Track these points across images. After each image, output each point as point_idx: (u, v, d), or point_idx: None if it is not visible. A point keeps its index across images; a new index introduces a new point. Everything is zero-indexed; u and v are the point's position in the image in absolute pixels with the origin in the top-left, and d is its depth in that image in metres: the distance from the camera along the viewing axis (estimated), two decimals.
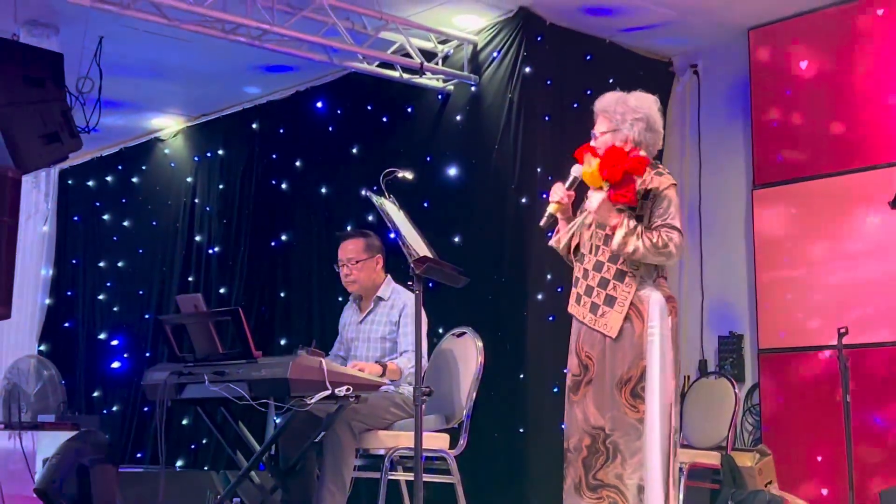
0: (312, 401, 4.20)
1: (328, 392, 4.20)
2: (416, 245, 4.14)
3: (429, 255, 4.13)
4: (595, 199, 4.00)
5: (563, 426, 4.27)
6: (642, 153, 4.08)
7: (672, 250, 3.98)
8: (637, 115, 4.12)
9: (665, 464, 3.96)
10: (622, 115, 4.12)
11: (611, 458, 3.99)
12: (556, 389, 6.36)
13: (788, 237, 6.78)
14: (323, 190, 8.06)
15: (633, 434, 3.97)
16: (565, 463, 4.12)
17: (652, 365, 3.98)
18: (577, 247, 4.22)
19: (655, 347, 3.99)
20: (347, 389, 4.25)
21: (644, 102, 4.17)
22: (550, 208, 4.18)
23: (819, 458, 6.43)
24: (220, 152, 8.99)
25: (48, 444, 5.72)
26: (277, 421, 5.70)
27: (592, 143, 4.17)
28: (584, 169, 3.99)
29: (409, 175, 4.45)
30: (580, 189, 4.20)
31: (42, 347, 9.31)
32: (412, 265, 4.08)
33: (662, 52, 7.55)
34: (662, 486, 3.95)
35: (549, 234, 4.34)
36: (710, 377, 6.60)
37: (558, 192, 4.17)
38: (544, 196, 4.42)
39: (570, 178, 4.16)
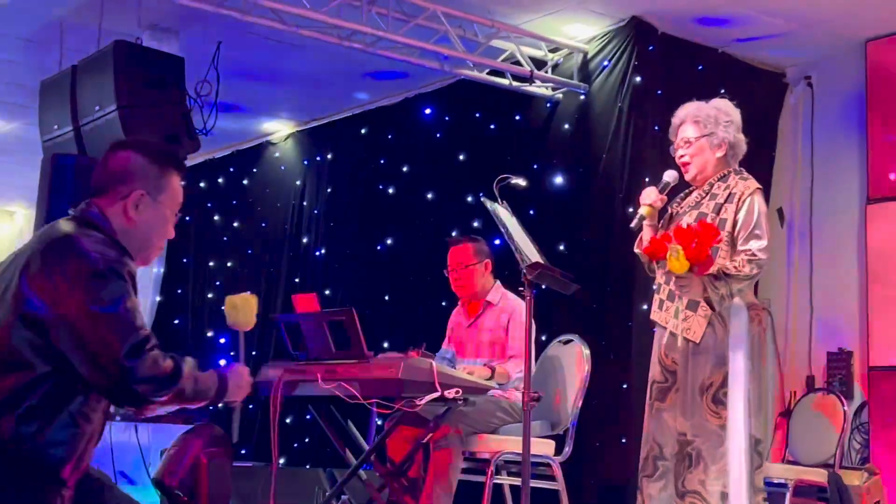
0: (422, 402, 4.26)
1: (437, 394, 4.26)
2: (528, 251, 4.17)
3: (540, 261, 4.16)
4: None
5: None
6: (732, 157, 4.20)
7: (758, 269, 4.02)
8: (728, 117, 4.22)
9: (749, 472, 3.93)
10: (715, 118, 4.19)
11: (693, 465, 4.00)
12: None
13: None
14: (429, 195, 8.13)
15: (715, 440, 3.96)
16: (653, 472, 4.11)
17: (735, 371, 3.97)
18: None
19: (739, 354, 3.98)
20: (456, 392, 4.30)
21: (729, 106, 4.29)
22: (642, 210, 4.21)
23: None
24: (329, 156, 9.13)
25: (162, 437, 5.87)
26: (379, 423, 5.78)
27: (680, 152, 4.18)
28: (671, 261, 3.92)
29: (522, 182, 4.49)
30: (672, 193, 4.27)
31: None
32: (524, 270, 4.11)
33: (776, 63, 7.45)
34: (747, 494, 3.93)
35: None
36: (818, 393, 6.49)
37: (651, 196, 4.20)
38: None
39: (663, 183, 4.19)
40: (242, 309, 3.23)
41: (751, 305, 4.06)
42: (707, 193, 4.18)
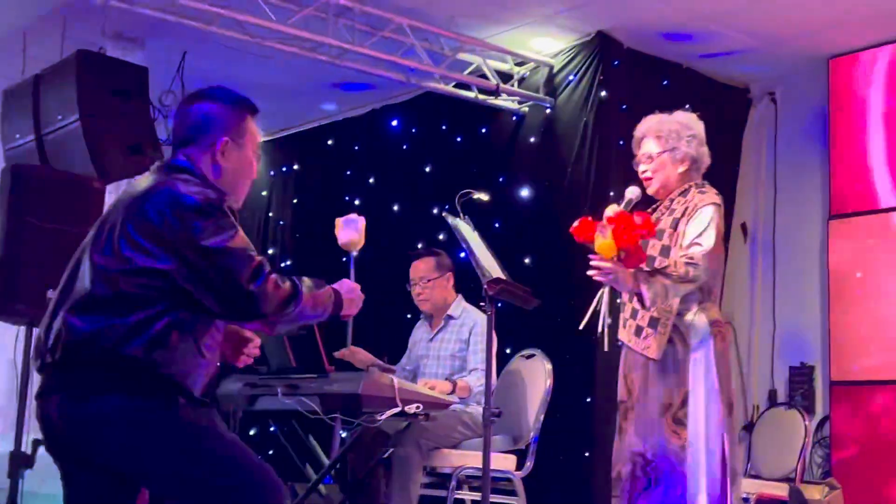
0: (383, 417, 4.25)
1: (398, 409, 4.25)
2: (490, 266, 4.17)
3: (502, 276, 4.16)
4: (608, 269, 3.79)
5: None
6: (695, 171, 4.11)
7: (696, 271, 3.83)
8: (691, 131, 4.12)
9: (714, 493, 3.84)
10: (677, 133, 4.10)
11: (652, 486, 3.92)
12: None
13: (864, 269, 6.69)
14: (395, 207, 8.12)
15: (675, 461, 3.89)
16: (615, 492, 4.08)
17: (695, 390, 3.90)
18: None
19: (700, 372, 3.91)
20: (417, 407, 4.29)
21: (692, 119, 4.19)
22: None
23: (889, 494, 6.32)
24: (296, 167, 9.10)
25: None
26: (343, 435, 5.76)
27: (642, 167, 4.14)
28: (597, 239, 3.81)
29: (484, 197, 4.49)
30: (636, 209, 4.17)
31: None
32: (485, 286, 4.10)
33: (740, 79, 7.50)
34: None
35: None
36: (781, 408, 6.53)
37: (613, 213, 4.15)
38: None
39: (626, 200, 4.13)
40: (339, 227, 3.36)
41: (714, 322, 3.99)
42: (667, 209, 4.12)
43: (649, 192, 4.23)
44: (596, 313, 3.89)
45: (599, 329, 3.87)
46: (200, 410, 2.79)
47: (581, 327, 3.94)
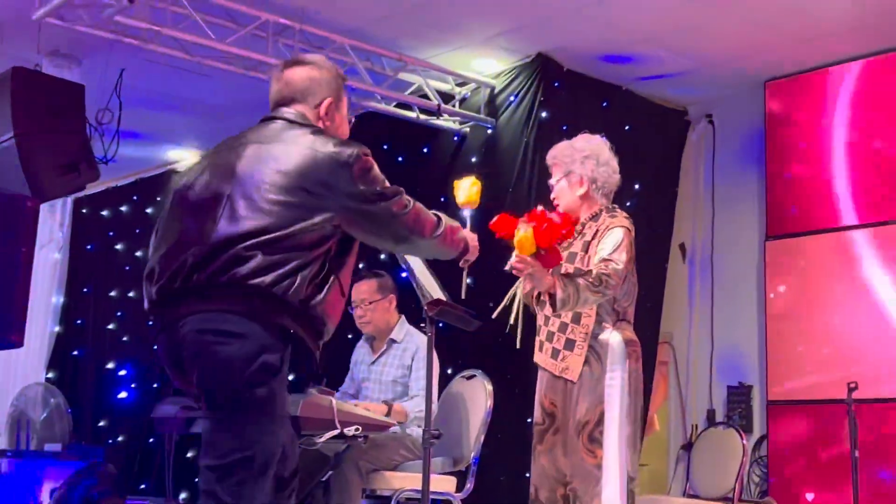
0: (322, 440, 4.21)
1: (337, 431, 4.21)
2: (430, 288, 4.16)
3: (442, 297, 4.15)
4: (527, 266, 3.82)
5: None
6: (597, 192, 4.07)
7: (609, 281, 3.84)
8: (584, 153, 4.11)
9: None
10: (570, 156, 4.12)
11: None
12: None
13: (800, 289, 6.78)
14: None
15: (590, 480, 3.88)
16: None
17: (611, 409, 3.91)
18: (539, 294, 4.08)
19: (615, 391, 3.92)
20: (356, 429, 4.26)
21: (591, 142, 4.18)
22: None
23: None
24: None
25: (55, 474, 5.71)
26: None
27: (553, 194, 4.15)
28: (517, 235, 3.82)
29: None
30: None
31: (50, 375, 9.32)
32: (425, 308, 4.09)
33: (678, 100, 7.59)
34: None
35: None
36: (719, 427, 6.58)
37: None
38: None
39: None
40: (459, 187, 3.82)
41: (628, 342, 4.00)
42: (579, 234, 4.11)
43: None
44: (508, 309, 3.95)
45: (511, 320, 3.91)
46: None
47: (494, 316, 3.99)
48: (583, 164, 4.09)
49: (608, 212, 4.09)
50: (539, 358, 4.12)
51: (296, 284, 2.87)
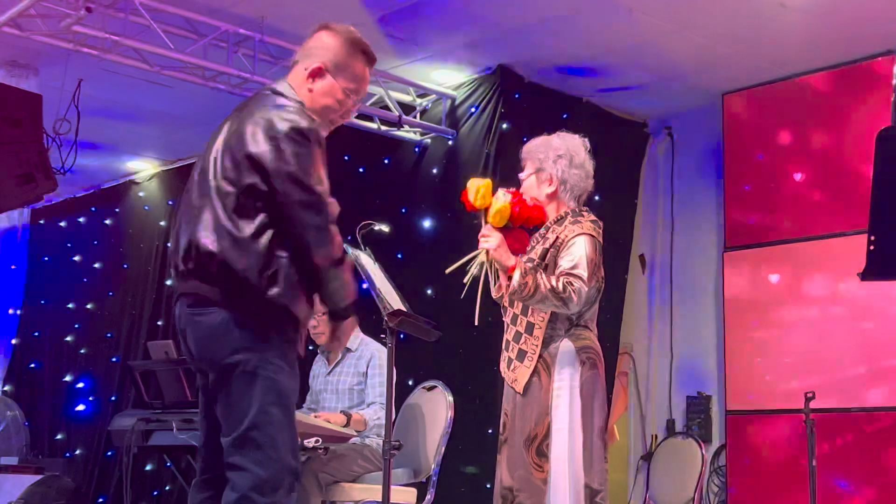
0: None
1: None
2: (390, 298, 4.15)
3: (402, 308, 4.14)
4: (494, 238, 3.71)
5: None
6: (565, 194, 3.91)
7: (573, 298, 3.66)
8: (558, 152, 3.93)
9: None
10: (544, 153, 3.94)
11: None
12: None
13: (758, 300, 6.84)
14: None
15: (537, 495, 3.71)
16: None
17: (557, 420, 3.73)
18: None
19: (562, 401, 3.74)
20: (316, 441, 4.24)
21: (568, 141, 3.99)
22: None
23: None
24: None
25: (10, 487, 5.64)
26: None
27: (521, 189, 3.94)
28: (494, 204, 3.69)
29: (385, 228, 4.48)
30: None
31: (6, 388, 9.22)
32: (385, 318, 4.08)
33: (638, 113, 7.65)
34: None
35: None
36: (678, 437, 6.62)
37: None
38: None
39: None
40: (472, 189, 3.68)
41: (582, 348, 3.81)
42: (542, 237, 3.94)
43: None
44: (464, 269, 3.82)
45: (466, 280, 3.81)
46: None
47: (447, 271, 3.89)
48: (555, 162, 3.91)
49: (573, 216, 3.89)
50: (501, 369, 4.05)
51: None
